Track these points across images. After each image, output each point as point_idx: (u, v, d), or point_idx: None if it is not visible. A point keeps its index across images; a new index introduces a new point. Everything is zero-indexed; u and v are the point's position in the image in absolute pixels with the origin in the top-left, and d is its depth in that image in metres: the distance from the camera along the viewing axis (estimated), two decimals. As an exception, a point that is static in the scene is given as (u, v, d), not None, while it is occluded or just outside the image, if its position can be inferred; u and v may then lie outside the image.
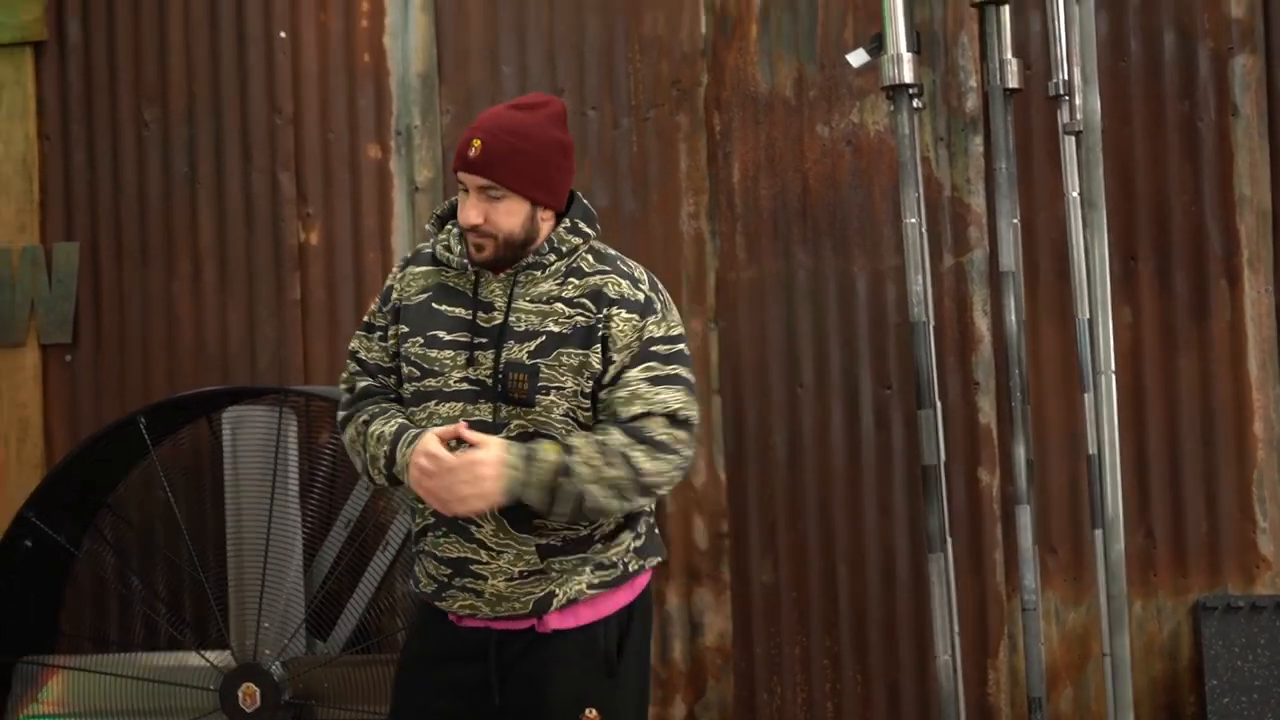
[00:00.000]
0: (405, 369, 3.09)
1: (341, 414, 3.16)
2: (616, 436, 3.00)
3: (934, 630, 4.16)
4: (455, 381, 3.05)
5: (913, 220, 4.15)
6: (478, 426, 3.00)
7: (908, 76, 4.12)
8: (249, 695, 4.26)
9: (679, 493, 4.51)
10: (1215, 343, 4.30)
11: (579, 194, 3.14)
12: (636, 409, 3.03)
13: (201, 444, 4.68)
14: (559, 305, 3.06)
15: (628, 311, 3.06)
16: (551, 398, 3.03)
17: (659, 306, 3.10)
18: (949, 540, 4.17)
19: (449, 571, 3.07)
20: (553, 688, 3.07)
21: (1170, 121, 4.32)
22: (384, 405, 3.14)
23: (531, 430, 3.02)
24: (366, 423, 3.10)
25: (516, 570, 3.04)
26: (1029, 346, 4.27)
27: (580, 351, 3.04)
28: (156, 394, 4.76)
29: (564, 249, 3.08)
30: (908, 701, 4.38)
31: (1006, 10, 4.15)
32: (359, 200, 4.71)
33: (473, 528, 3.02)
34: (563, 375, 3.04)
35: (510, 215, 3.03)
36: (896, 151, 4.26)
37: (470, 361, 3.04)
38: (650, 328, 3.07)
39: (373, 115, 4.71)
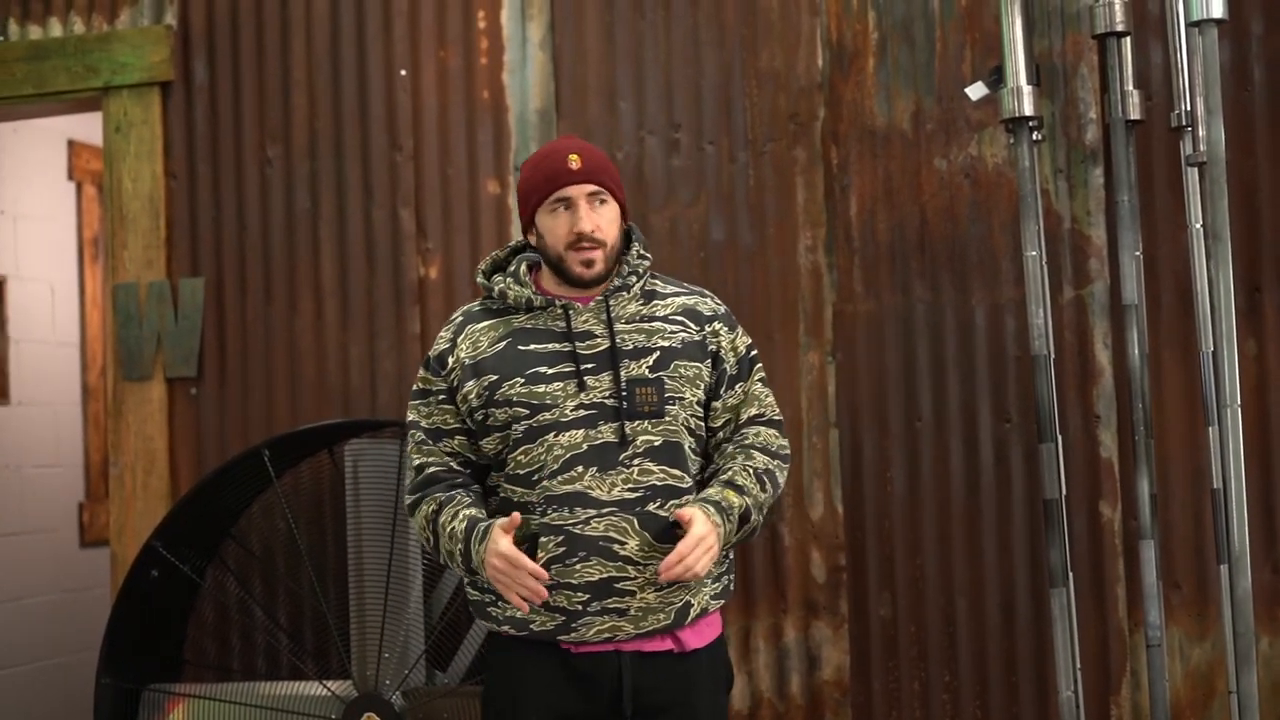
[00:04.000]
0: (508, 412, 3.23)
1: (409, 498, 3.34)
2: (759, 459, 3.30)
3: (1055, 666, 4.13)
4: (571, 410, 3.18)
5: (1033, 253, 4.14)
6: (605, 448, 3.19)
7: (1028, 109, 4.11)
8: (370, 725, 4.31)
9: (796, 525, 4.50)
10: (1342, 376, 4.23)
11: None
12: (753, 410, 3.38)
13: (323, 476, 4.74)
14: (656, 324, 3.30)
15: (725, 326, 3.37)
16: (676, 408, 3.26)
17: (734, 319, 3.44)
18: (1070, 575, 4.14)
19: (585, 597, 3.14)
20: (698, 708, 3.25)
21: (1295, 152, 4.27)
22: (450, 493, 3.29)
23: (659, 442, 3.23)
24: (435, 514, 3.27)
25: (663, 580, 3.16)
26: (1151, 379, 4.23)
27: (693, 364, 3.30)
28: (279, 427, 4.83)
29: (640, 270, 3.34)
30: (1028, 738, 4.34)
31: (1128, 41, 4.14)
32: (478, 235, 4.75)
33: (615, 546, 3.12)
34: (682, 386, 3.27)
35: (612, 223, 3.29)
36: (1016, 184, 4.25)
37: (581, 388, 3.18)
38: (741, 338, 3.40)
39: (491, 151, 4.76)
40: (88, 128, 6.70)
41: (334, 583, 4.64)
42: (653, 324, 3.30)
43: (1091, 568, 4.30)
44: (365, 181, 4.86)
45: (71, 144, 6.86)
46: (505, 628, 3.26)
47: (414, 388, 3.38)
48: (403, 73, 4.83)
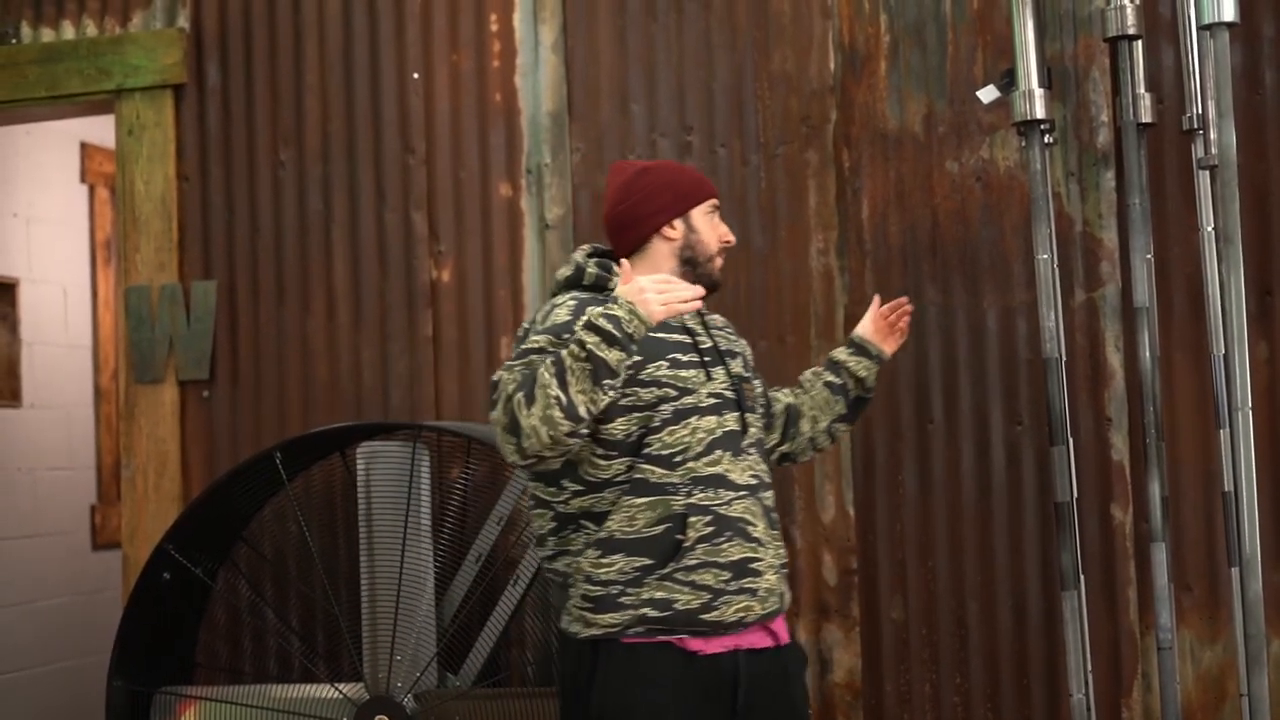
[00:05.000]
0: (654, 393, 3.30)
1: (519, 394, 3.14)
2: None
3: (1067, 669, 4.13)
4: (706, 397, 3.35)
5: (1044, 256, 4.14)
6: (732, 435, 3.36)
7: (1040, 112, 4.11)
8: (382, 727, 4.31)
9: (807, 528, 4.50)
10: (1354, 379, 4.23)
11: None
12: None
13: (335, 479, 4.74)
14: (724, 331, 3.55)
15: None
16: (760, 409, 3.56)
17: None
18: (1082, 578, 4.14)
19: (728, 576, 3.28)
20: (800, 702, 3.43)
21: (1307, 155, 4.27)
22: None
23: (758, 437, 3.45)
24: (557, 358, 3.13)
25: (779, 563, 3.38)
26: (1163, 382, 4.23)
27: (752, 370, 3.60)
28: (291, 430, 4.84)
29: None
30: (1040, 741, 4.34)
31: (1139, 44, 4.14)
32: (490, 238, 4.76)
33: (749, 528, 3.31)
34: (757, 388, 3.59)
35: None
36: (1027, 187, 4.25)
37: (709, 377, 3.37)
38: None
39: (504, 154, 4.77)
40: (100, 130, 6.71)
41: (346, 585, 4.64)
42: (722, 331, 3.54)
43: (1103, 570, 4.30)
44: (378, 184, 4.86)
45: (84, 146, 6.88)
46: (646, 610, 3.23)
47: (521, 348, 3.27)
48: (415, 76, 4.84)
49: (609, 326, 3.10)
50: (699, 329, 3.43)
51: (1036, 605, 4.35)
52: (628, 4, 4.70)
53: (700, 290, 3.21)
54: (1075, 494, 4.15)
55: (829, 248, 4.53)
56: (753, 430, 3.41)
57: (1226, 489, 3.99)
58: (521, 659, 4.61)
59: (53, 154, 6.73)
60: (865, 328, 3.79)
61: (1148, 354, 4.12)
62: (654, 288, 3.14)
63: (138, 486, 4.98)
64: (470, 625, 4.43)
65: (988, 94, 4.20)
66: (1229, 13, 3.71)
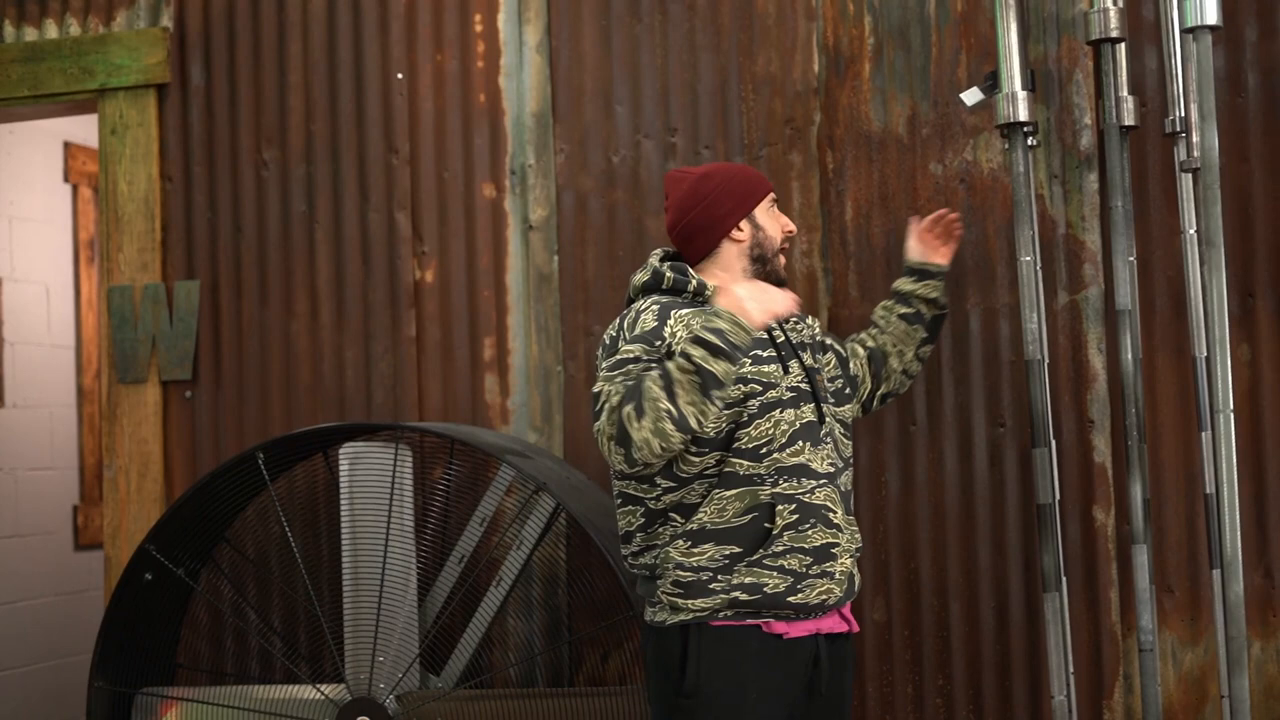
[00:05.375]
0: (741, 390, 3.43)
1: (626, 407, 3.27)
2: None
3: (1049, 670, 4.13)
4: (786, 390, 3.50)
5: (1027, 258, 4.15)
6: (810, 425, 3.51)
7: (1023, 114, 4.12)
8: (364, 728, 4.31)
9: (791, 530, 4.50)
10: (1336, 381, 4.24)
11: None
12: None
13: (317, 479, 4.74)
14: (793, 320, 3.64)
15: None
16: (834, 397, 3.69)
17: None
18: (1064, 579, 4.15)
19: (810, 561, 3.43)
20: (849, 688, 3.61)
21: (1289, 158, 4.28)
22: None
23: (833, 427, 3.58)
24: (663, 372, 3.26)
25: (854, 548, 3.54)
26: (1145, 385, 4.24)
27: (824, 354, 3.74)
28: (274, 430, 4.84)
29: None
30: (1022, 742, 4.35)
31: (1122, 47, 4.14)
32: (474, 239, 4.76)
33: (830, 515, 3.48)
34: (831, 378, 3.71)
35: None
36: (1011, 189, 4.26)
37: (786, 371, 3.51)
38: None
39: (488, 155, 4.77)
40: (84, 130, 6.71)
41: (328, 586, 4.64)
42: (792, 321, 3.65)
43: (1085, 572, 4.31)
44: (361, 185, 4.86)
45: (68, 146, 6.87)
46: (736, 594, 3.38)
47: (613, 359, 3.39)
48: (399, 76, 4.84)
49: (714, 339, 3.25)
50: (772, 323, 3.52)
51: (1018, 607, 4.35)
52: (612, 5, 4.70)
53: (795, 296, 3.40)
54: (1057, 496, 4.16)
55: (812, 249, 4.54)
56: (828, 420, 3.56)
57: (1208, 491, 4.00)
58: (504, 660, 4.61)
59: (36, 153, 6.72)
60: (914, 250, 4.03)
61: (1130, 356, 4.12)
62: (752, 296, 3.31)
63: (120, 487, 4.97)
64: (453, 626, 4.43)
65: (971, 96, 4.21)
66: (1212, 16, 3.72)
